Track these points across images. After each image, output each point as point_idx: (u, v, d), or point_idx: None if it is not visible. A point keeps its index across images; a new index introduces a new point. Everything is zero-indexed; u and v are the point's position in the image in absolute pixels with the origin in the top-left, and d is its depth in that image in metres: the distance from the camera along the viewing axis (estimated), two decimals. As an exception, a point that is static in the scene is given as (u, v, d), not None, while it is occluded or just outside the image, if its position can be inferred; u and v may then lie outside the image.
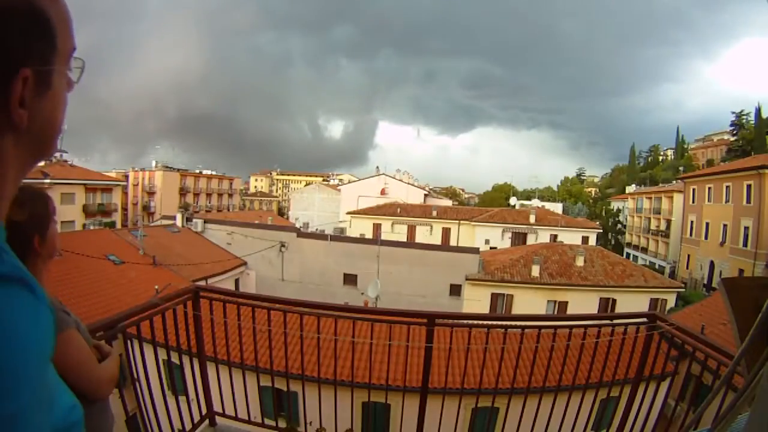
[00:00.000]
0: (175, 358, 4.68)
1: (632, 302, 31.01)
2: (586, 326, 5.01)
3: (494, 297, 32.73)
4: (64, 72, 0.95)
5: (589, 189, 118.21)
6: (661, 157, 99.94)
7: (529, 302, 31.72)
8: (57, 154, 60.75)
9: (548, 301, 32.20)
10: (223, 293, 5.39)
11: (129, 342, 4.01)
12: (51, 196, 2.13)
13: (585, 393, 5.10)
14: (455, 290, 33.53)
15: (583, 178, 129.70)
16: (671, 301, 32.38)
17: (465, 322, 5.53)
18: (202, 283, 21.99)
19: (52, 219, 2.04)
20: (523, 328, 5.08)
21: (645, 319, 4.91)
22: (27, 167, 0.93)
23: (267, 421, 5.35)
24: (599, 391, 5.19)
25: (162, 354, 4.42)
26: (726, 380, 2.04)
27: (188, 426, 4.83)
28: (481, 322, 5.74)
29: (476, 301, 31.78)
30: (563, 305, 31.95)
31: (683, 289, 35.77)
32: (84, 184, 56.88)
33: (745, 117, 69.85)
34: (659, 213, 62.92)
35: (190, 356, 4.93)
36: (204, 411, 5.10)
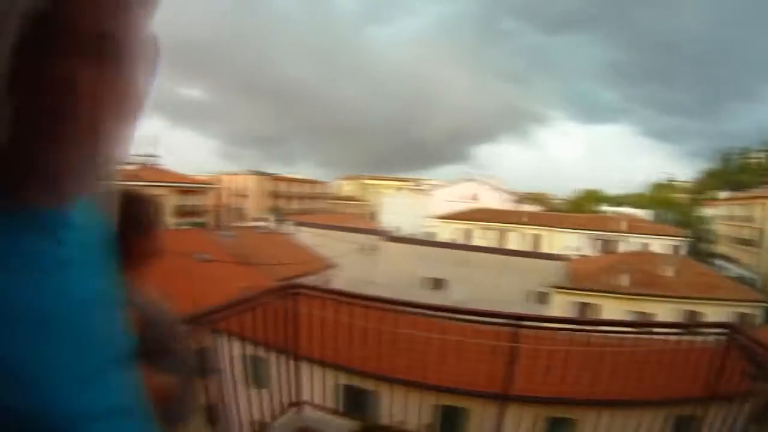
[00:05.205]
0: (268, 351, 5.02)
1: (717, 316, 29.08)
2: (665, 333, 5.10)
3: (580, 306, 32.36)
4: (93, 62, 0.80)
5: (679, 195, 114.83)
6: (753, 161, 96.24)
7: (614, 313, 30.91)
8: (149, 160, 62.61)
9: (633, 312, 31.13)
10: (321, 290, 5.79)
11: (216, 334, 4.22)
12: (155, 201, 2.40)
13: (657, 409, 5.14)
14: (541, 298, 33.51)
15: (672, 183, 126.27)
16: (760, 317, 31.37)
17: (548, 325, 5.61)
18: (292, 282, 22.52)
19: (157, 223, 2.27)
20: (605, 332, 5.19)
21: (723, 330, 4.83)
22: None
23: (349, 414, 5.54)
24: (672, 408, 5.17)
25: (254, 347, 4.86)
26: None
27: (277, 411, 5.04)
28: (564, 326, 5.82)
29: (562, 310, 31.47)
30: (648, 318, 31.08)
31: (771, 305, 34.46)
32: (176, 187, 59.26)
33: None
34: (750, 221, 59.84)
35: (285, 349, 5.12)
36: (293, 399, 5.26)
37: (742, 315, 30.53)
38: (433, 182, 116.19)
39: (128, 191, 2.21)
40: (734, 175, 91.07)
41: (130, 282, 1.98)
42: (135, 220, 2.13)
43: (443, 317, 5.44)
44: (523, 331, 4.85)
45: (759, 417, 4.20)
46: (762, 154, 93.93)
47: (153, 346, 1.94)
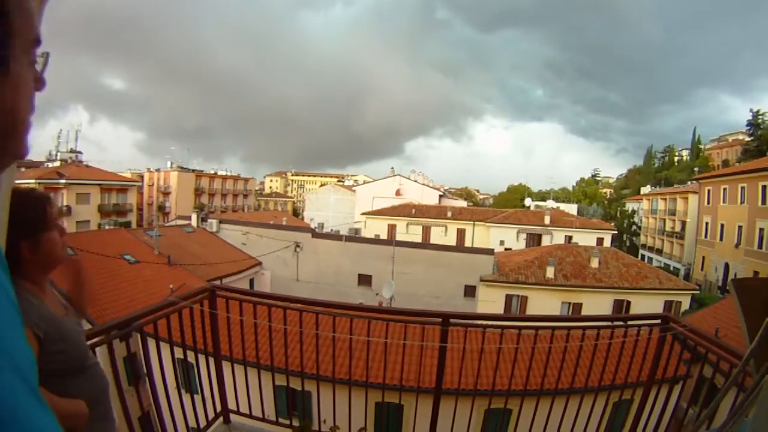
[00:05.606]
0: (191, 356, 4.62)
1: (646, 304, 30.96)
2: (599, 327, 4.94)
3: (508, 298, 32.73)
4: (26, 61, 0.91)
5: (605, 190, 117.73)
6: (676, 158, 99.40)
7: (543, 304, 31.72)
8: (72, 157, 61.44)
9: (562, 302, 32.20)
10: (239, 292, 5.40)
11: (145, 339, 4.00)
12: (53, 199, 2.05)
13: (597, 395, 5.09)
14: (470, 291, 33.57)
15: (598, 179, 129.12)
16: (686, 303, 32.24)
17: (479, 322, 5.44)
18: (217, 282, 22.04)
19: (49, 224, 2.00)
20: (536, 328, 4.97)
21: (658, 321, 4.83)
22: None
23: (281, 420, 5.32)
24: (611, 394, 5.16)
25: (178, 352, 4.50)
26: (734, 380, 2.06)
27: (203, 423, 4.86)
28: (495, 322, 5.67)
29: (490, 302, 31.74)
30: (577, 307, 31.93)
31: (698, 291, 35.58)
32: (99, 185, 57.80)
33: (761, 116, 68.79)
34: (674, 214, 62.18)
35: (206, 354, 4.93)
36: (219, 408, 5.11)
37: (670, 303, 31.03)
38: (359, 177, 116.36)
39: (19, 191, 1.95)
40: (660, 171, 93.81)
41: (26, 294, 1.87)
42: (28, 223, 1.93)
43: (365, 317, 5.07)
44: (454, 328, 4.79)
45: (694, 397, 4.46)
46: (686, 152, 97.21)
47: (57, 366, 1.90)
